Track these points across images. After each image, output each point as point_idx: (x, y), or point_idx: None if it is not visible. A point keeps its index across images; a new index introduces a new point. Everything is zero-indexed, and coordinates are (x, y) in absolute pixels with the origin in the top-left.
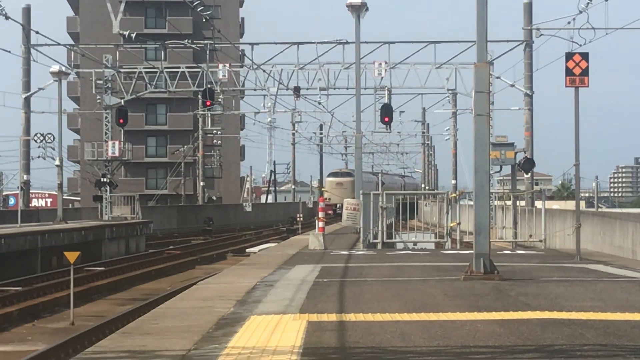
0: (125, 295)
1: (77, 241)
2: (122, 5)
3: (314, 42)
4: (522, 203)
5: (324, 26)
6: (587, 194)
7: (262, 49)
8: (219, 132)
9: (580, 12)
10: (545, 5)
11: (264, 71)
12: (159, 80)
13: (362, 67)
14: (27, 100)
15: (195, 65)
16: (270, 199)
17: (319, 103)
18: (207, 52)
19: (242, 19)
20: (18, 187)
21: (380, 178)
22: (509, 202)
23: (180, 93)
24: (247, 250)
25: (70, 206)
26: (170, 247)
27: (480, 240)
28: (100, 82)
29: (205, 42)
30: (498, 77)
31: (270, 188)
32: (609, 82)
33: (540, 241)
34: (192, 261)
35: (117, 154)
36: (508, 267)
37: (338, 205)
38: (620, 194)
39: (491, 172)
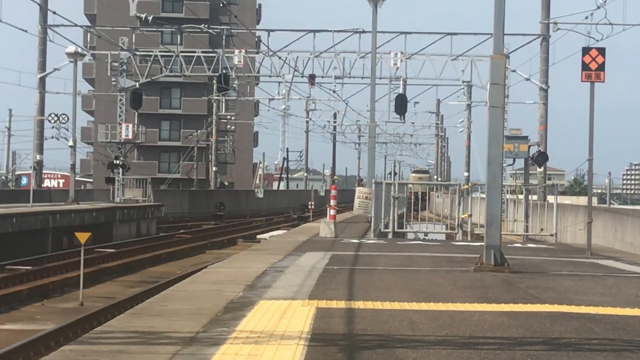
0: (135, 277)
1: (88, 222)
2: None
3: (330, 31)
4: (534, 197)
5: (340, 14)
6: (599, 190)
7: (278, 35)
8: (232, 118)
9: (599, 7)
10: None
11: (280, 58)
12: (174, 64)
13: (377, 56)
14: (42, 81)
15: (211, 50)
16: (282, 186)
17: (334, 91)
18: (224, 37)
19: (259, 5)
20: (31, 167)
21: (393, 167)
22: (521, 196)
23: (195, 78)
24: (258, 236)
25: (83, 187)
26: (181, 231)
27: (492, 232)
28: (116, 64)
29: (222, 27)
30: (514, 71)
31: (283, 175)
32: (625, 79)
33: (551, 235)
34: (202, 246)
35: (130, 136)
36: (518, 260)
37: (419, 194)
38: (632, 191)
39: (504, 165)
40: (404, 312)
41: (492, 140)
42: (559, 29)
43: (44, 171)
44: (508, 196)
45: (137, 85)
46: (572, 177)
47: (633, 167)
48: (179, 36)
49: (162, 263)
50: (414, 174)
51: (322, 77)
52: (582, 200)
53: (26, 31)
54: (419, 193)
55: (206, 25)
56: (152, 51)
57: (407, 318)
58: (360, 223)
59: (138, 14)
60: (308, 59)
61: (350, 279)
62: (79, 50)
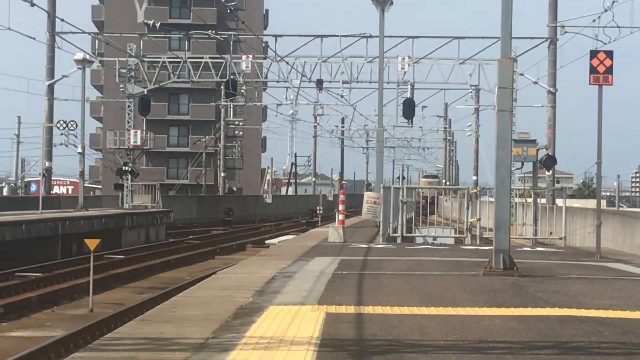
0: (144, 283)
1: (98, 229)
2: None
3: (337, 35)
4: (543, 200)
5: (347, 19)
6: (608, 193)
7: (286, 41)
8: (240, 123)
9: (606, 10)
10: (571, 2)
11: (287, 63)
12: (182, 70)
13: (385, 61)
14: (50, 88)
15: (218, 56)
16: (291, 191)
17: (342, 96)
18: (231, 43)
19: (267, 10)
20: (40, 174)
21: (401, 171)
22: (530, 199)
23: (203, 83)
24: (267, 241)
25: (92, 194)
26: (190, 236)
27: (500, 236)
28: (124, 71)
29: (229, 33)
30: (522, 74)
31: (291, 180)
32: (633, 81)
33: (560, 239)
34: (211, 251)
35: (139, 142)
36: (527, 263)
37: (428, 198)
38: None
39: (512, 169)
40: (413, 317)
41: (500, 144)
42: (566, 32)
43: (53, 178)
44: (517, 200)
45: (145, 92)
46: (581, 180)
47: None
48: (186, 42)
49: (171, 269)
50: (424, 179)
51: (330, 82)
52: (591, 203)
53: (34, 38)
54: (428, 197)
55: (214, 31)
56: (159, 57)
57: (417, 323)
58: (368, 228)
59: (145, 21)
60: (315, 64)
61: (359, 284)
62: (87, 57)
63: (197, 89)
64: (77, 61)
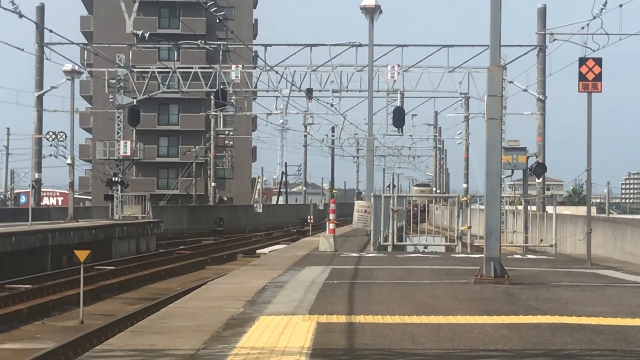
0: (135, 294)
1: (88, 240)
2: (136, 5)
3: (327, 44)
4: (533, 208)
5: (337, 28)
6: (598, 200)
7: (275, 50)
8: (230, 133)
9: (594, 17)
10: (560, 10)
11: (277, 73)
12: (171, 81)
13: (375, 69)
14: (39, 99)
15: (208, 65)
16: (281, 201)
17: (331, 105)
18: (220, 52)
19: (256, 20)
20: (29, 185)
21: (392, 179)
22: (520, 207)
23: (193, 93)
24: (258, 251)
25: (81, 205)
26: (181, 247)
27: (491, 244)
28: (113, 81)
29: (219, 42)
30: (511, 82)
31: (281, 190)
32: (622, 88)
33: (551, 246)
34: (202, 261)
35: (128, 153)
36: (518, 271)
37: (419, 206)
38: (631, 200)
39: (503, 177)
40: (404, 326)
41: (490, 152)
42: (555, 39)
43: (42, 189)
44: (507, 207)
45: (135, 102)
46: (571, 187)
47: (631, 177)
48: (175, 52)
49: (162, 279)
50: (416, 187)
51: (320, 91)
52: (582, 210)
53: (23, 50)
54: (419, 205)
55: (203, 41)
56: (149, 68)
57: (408, 332)
58: (359, 236)
59: (134, 31)
60: (305, 73)
61: (351, 293)
62: (76, 68)
63: (186, 99)
64: (66, 72)
